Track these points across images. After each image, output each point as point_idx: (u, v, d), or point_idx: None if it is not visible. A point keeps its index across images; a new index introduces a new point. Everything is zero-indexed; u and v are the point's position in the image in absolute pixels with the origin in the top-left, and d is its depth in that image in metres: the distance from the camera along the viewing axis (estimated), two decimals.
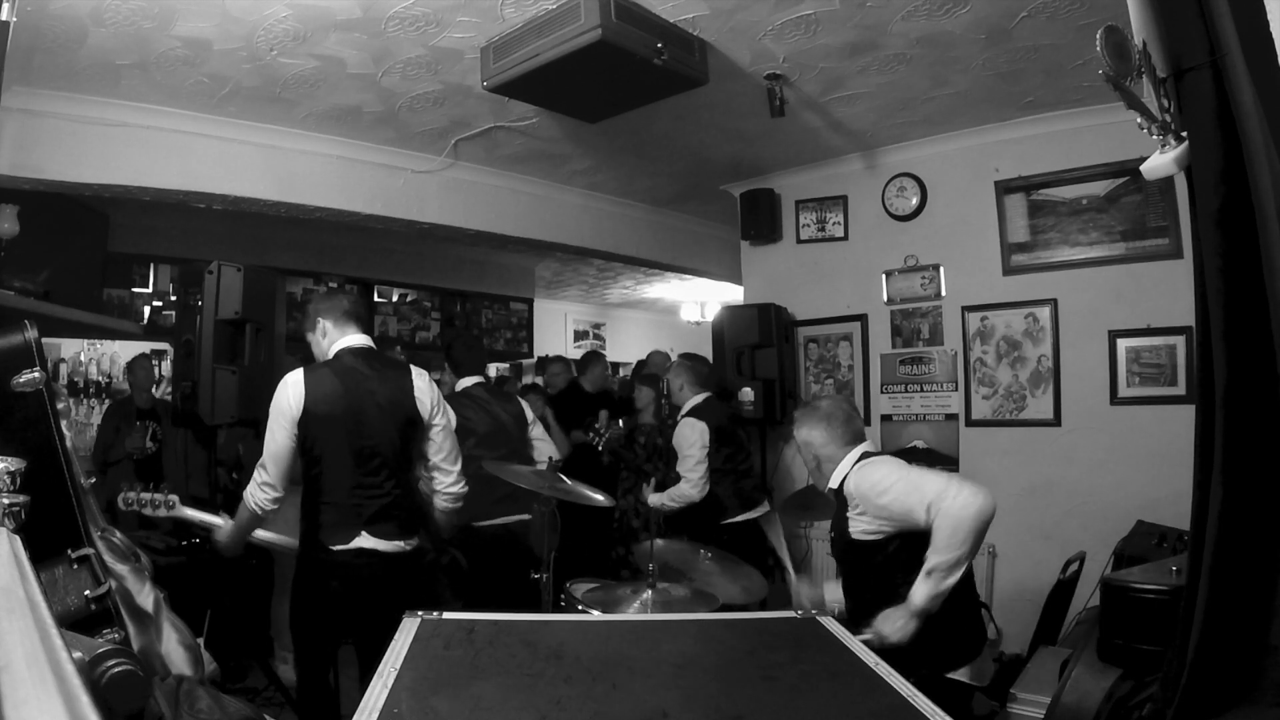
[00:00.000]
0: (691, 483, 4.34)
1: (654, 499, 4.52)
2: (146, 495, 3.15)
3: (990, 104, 4.31)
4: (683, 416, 4.54)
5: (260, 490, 2.86)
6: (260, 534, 3.22)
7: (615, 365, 10.33)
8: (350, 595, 2.83)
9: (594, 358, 6.60)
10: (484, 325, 8.83)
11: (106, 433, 5.40)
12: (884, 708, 1.32)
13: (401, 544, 2.92)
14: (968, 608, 2.60)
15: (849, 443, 2.82)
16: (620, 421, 5.74)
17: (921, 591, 2.43)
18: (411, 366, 3.11)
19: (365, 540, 2.83)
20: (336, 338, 3.03)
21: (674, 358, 6.99)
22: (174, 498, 3.19)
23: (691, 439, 4.39)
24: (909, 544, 2.52)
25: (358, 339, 3.03)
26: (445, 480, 3.13)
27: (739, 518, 4.41)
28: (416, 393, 3.01)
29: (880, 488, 2.58)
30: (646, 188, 6.06)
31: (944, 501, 2.40)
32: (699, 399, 4.61)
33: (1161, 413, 4.07)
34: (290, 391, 2.84)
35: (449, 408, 3.19)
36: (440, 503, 3.16)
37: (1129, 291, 4.22)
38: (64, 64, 3.56)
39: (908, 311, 5.00)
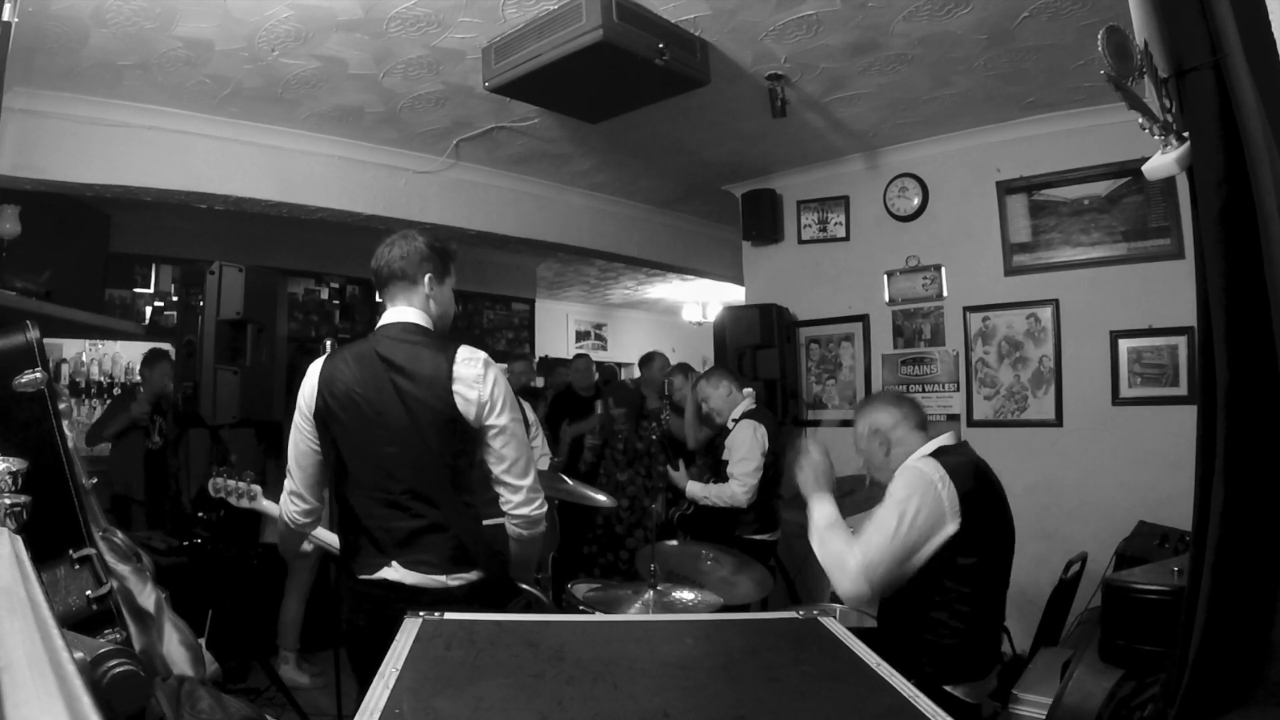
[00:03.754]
0: (745, 486, 4.17)
1: (695, 489, 4.36)
2: (233, 483, 3.00)
3: (992, 104, 4.31)
4: (741, 419, 4.37)
5: (289, 501, 2.46)
6: (322, 534, 2.73)
7: (619, 365, 10.35)
8: (378, 635, 2.05)
9: (578, 360, 6.59)
10: (485, 326, 8.84)
11: (116, 409, 5.37)
12: (886, 709, 1.32)
13: (443, 579, 2.28)
14: (986, 625, 2.50)
15: (919, 427, 2.69)
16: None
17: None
18: (462, 349, 2.32)
19: (394, 571, 2.28)
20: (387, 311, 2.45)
21: (673, 360, 7.02)
22: (256, 488, 3.02)
23: (752, 443, 4.23)
24: (946, 549, 2.41)
25: (401, 312, 2.41)
26: (512, 499, 2.37)
27: (756, 536, 4.28)
28: (456, 385, 2.26)
29: (904, 490, 2.44)
30: (648, 188, 6.06)
31: (863, 550, 2.35)
32: (750, 402, 4.48)
33: (1163, 413, 4.07)
34: (306, 383, 2.37)
35: (513, 404, 2.39)
36: (510, 528, 2.41)
37: (1131, 292, 4.22)
38: (66, 64, 3.57)
39: (909, 312, 5.00)
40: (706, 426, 4.84)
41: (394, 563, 2.28)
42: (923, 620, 2.46)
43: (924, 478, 2.43)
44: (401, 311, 2.41)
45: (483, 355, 2.34)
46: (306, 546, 2.72)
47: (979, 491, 2.45)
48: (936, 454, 2.55)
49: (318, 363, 2.40)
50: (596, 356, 10.63)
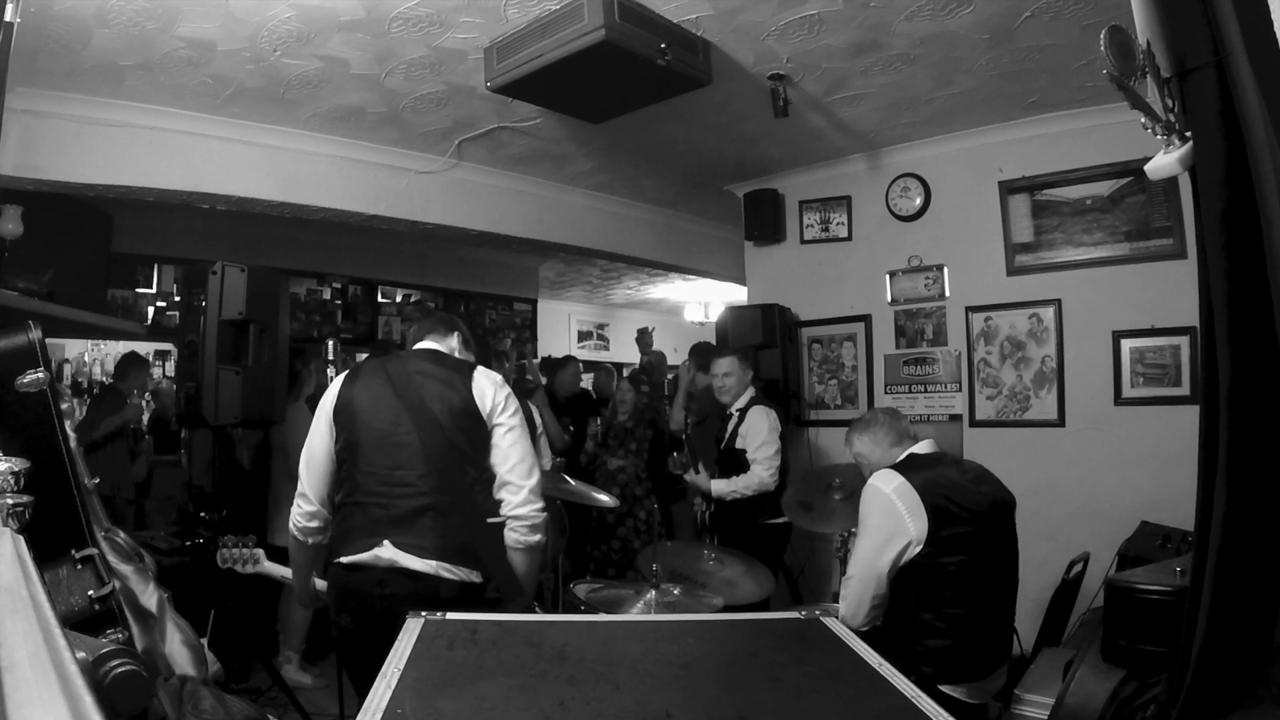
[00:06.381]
0: (769, 469, 4.24)
1: (720, 486, 4.35)
2: (238, 551, 3.14)
3: (994, 104, 4.31)
4: (752, 405, 4.46)
5: (296, 505, 2.52)
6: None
7: (620, 366, 10.34)
8: (365, 637, 2.27)
9: (566, 362, 6.59)
10: (487, 326, 8.83)
11: (105, 409, 5.35)
12: (887, 709, 1.32)
13: (434, 564, 2.30)
14: (980, 626, 2.55)
15: (894, 444, 2.80)
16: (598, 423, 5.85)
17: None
18: (479, 367, 2.58)
19: (386, 550, 2.30)
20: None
21: (674, 359, 7.02)
22: (259, 552, 3.18)
23: (767, 425, 4.32)
24: (921, 554, 2.51)
25: (424, 343, 2.68)
26: (513, 499, 2.40)
27: (776, 520, 4.27)
28: (475, 388, 2.45)
29: (865, 512, 2.62)
30: (650, 188, 6.06)
31: (847, 584, 2.61)
32: (752, 391, 4.56)
33: (1166, 413, 4.06)
34: (330, 389, 2.56)
35: (520, 413, 2.54)
36: (509, 535, 2.41)
37: (1133, 292, 4.22)
38: (68, 65, 3.57)
39: (911, 312, 4.99)
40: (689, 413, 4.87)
41: (386, 542, 2.32)
42: (913, 621, 2.52)
43: (876, 493, 2.59)
44: (430, 344, 2.68)
45: (499, 376, 2.56)
46: (320, 584, 2.76)
47: (944, 502, 2.53)
48: (903, 465, 2.67)
49: (340, 375, 2.60)
50: (599, 357, 10.64)
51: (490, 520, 2.42)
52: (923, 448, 2.75)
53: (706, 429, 5.11)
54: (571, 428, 6.01)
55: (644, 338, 6.87)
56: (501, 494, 2.43)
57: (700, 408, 5.22)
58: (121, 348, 6.30)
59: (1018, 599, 2.80)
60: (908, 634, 2.50)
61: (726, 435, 4.54)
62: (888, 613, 2.58)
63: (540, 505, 2.45)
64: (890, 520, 2.52)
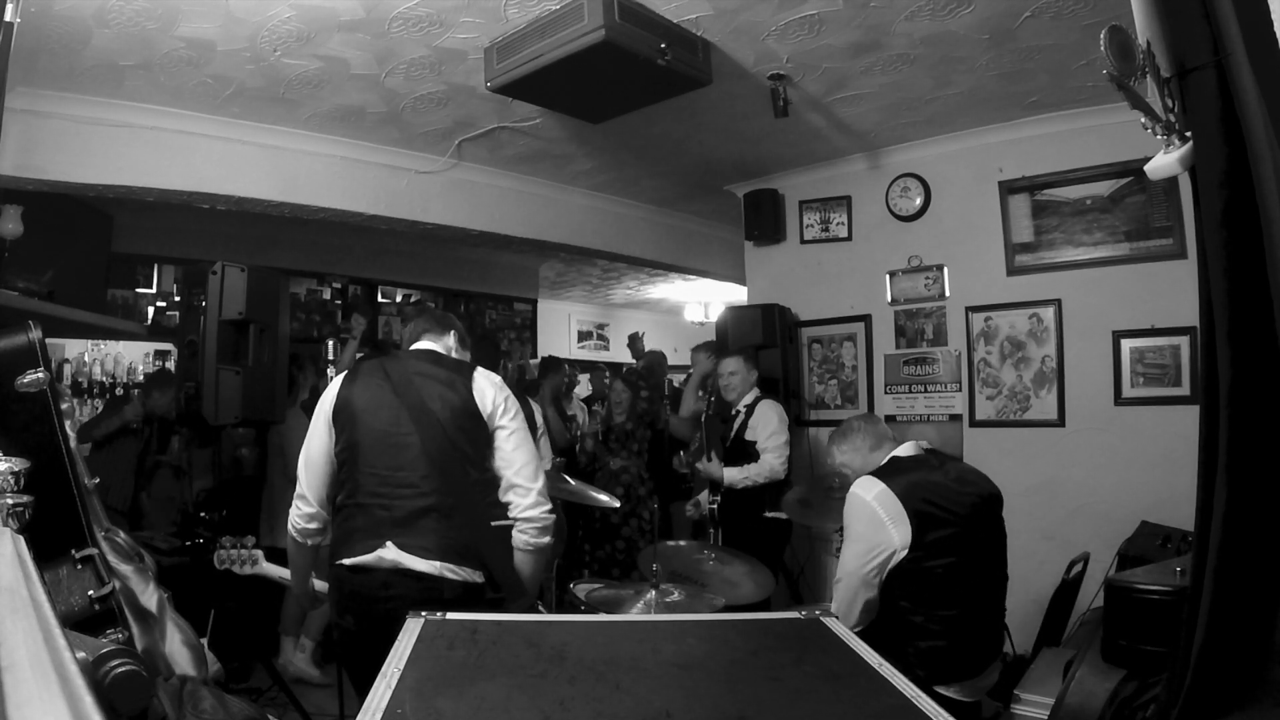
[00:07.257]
0: (780, 458, 4.39)
1: (733, 474, 4.44)
2: (235, 552, 3.16)
3: (994, 104, 4.31)
4: (759, 400, 4.60)
5: (294, 507, 2.52)
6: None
7: (619, 366, 10.34)
8: (367, 638, 2.25)
9: (557, 367, 6.58)
10: (487, 325, 8.83)
11: (110, 411, 5.35)
12: (887, 709, 1.32)
13: (438, 565, 2.30)
14: (972, 625, 2.54)
15: (874, 448, 2.79)
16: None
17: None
18: (479, 368, 2.57)
19: (389, 551, 2.30)
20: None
21: (674, 359, 7.02)
22: (258, 553, 3.20)
23: (776, 416, 4.48)
24: (907, 558, 2.50)
25: (427, 344, 2.68)
26: (521, 502, 2.41)
27: (782, 515, 4.33)
28: (476, 390, 2.45)
29: (849, 519, 2.61)
30: (650, 188, 6.06)
31: (837, 586, 2.61)
32: (757, 389, 4.69)
33: (1166, 413, 4.06)
34: (328, 390, 2.56)
35: (521, 414, 2.55)
36: (519, 537, 2.42)
37: (1133, 292, 4.22)
38: (68, 65, 3.57)
39: (911, 312, 4.99)
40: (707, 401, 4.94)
41: (389, 543, 2.32)
42: (905, 624, 2.51)
43: (858, 500, 2.58)
44: (427, 344, 2.67)
45: (499, 377, 2.56)
46: (319, 585, 2.77)
47: (926, 506, 2.51)
48: (885, 469, 2.66)
49: (339, 376, 2.59)
50: (598, 357, 10.65)
51: (496, 524, 2.42)
52: (905, 450, 2.74)
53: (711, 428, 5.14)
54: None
55: (636, 343, 6.86)
56: (509, 496, 2.43)
57: (717, 401, 5.27)
58: (123, 348, 6.30)
59: (1017, 599, 2.79)
60: (900, 637, 2.48)
61: (734, 431, 4.64)
62: (879, 616, 2.57)
63: (549, 507, 2.46)
64: (873, 528, 2.50)
